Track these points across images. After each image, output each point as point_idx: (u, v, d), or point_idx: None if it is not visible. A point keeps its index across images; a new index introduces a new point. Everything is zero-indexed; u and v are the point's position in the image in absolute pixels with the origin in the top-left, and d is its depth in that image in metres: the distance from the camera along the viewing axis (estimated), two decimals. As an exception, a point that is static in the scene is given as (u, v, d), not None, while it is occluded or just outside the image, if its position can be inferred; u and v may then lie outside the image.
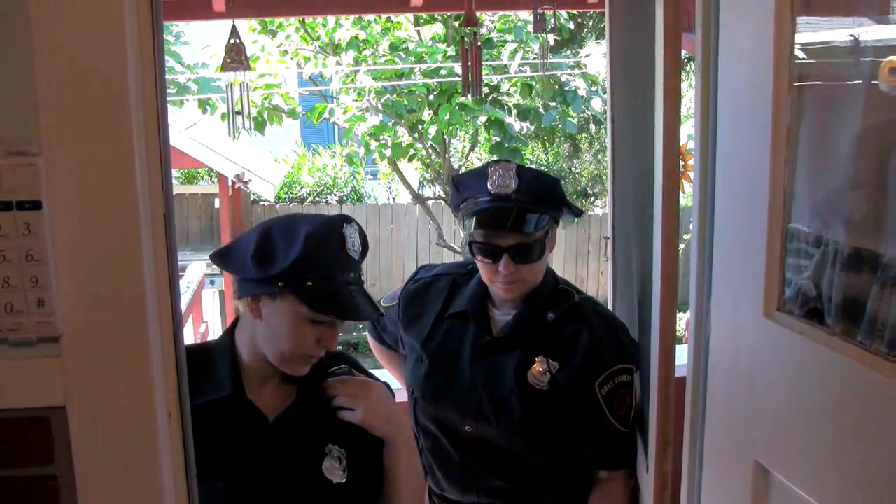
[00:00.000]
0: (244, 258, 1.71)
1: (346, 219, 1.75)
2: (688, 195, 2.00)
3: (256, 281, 1.71)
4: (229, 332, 1.83)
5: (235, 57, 3.51)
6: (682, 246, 1.83)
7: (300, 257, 1.66)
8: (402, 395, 2.34)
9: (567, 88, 10.14)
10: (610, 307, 2.64)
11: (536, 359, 2.07)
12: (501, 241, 2.03)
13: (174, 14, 4.66)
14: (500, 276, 2.06)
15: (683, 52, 1.89)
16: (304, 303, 1.68)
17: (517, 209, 2.03)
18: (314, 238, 1.68)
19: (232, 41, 3.51)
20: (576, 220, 10.72)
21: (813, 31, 1.41)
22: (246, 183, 10.02)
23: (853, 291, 1.23)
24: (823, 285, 1.29)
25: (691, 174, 1.61)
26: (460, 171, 11.31)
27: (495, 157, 10.86)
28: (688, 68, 7.31)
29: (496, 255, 2.05)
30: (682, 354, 1.72)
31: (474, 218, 2.07)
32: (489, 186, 2.04)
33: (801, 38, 1.33)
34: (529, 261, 2.06)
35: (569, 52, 10.75)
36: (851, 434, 1.16)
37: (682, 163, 1.93)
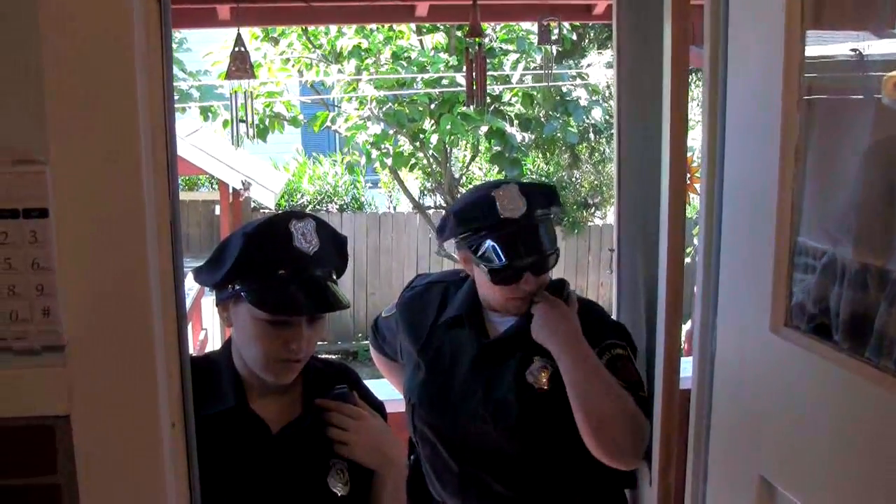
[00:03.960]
0: (205, 266, 1.76)
1: (297, 215, 1.72)
2: (694, 207, 2.01)
3: (216, 287, 1.74)
4: (228, 344, 1.83)
5: (240, 65, 3.52)
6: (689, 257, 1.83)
7: (239, 258, 1.67)
8: (401, 406, 2.34)
9: (568, 99, 10.16)
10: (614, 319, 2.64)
11: (535, 358, 2.07)
12: (520, 262, 2.05)
13: (179, 22, 4.66)
14: (521, 292, 2.08)
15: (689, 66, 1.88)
16: (250, 302, 1.67)
17: (533, 230, 2.05)
18: (253, 238, 1.69)
19: (237, 49, 3.52)
20: (574, 231, 10.55)
21: (823, 45, 1.41)
22: (247, 188, 10.02)
23: (861, 308, 1.22)
24: (831, 301, 1.29)
25: (698, 186, 1.60)
26: (459, 184, 11.31)
27: (496, 168, 10.88)
28: (693, 81, 7.32)
29: (518, 276, 2.05)
30: (688, 367, 1.71)
31: (494, 249, 2.05)
32: (500, 213, 2.03)
33: (810, 51, 1.33)
34: (548, 270, 2.10)
35: (571, 62, 10.76)
36: (858, 451, 1.15)
37: (688, 175, 1.93)
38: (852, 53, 1.36)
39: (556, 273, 2.19)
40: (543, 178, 12.31)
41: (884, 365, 1.14)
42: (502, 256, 2.04)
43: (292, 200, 12.71)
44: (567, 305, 2.09)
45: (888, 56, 1.31)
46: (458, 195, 10.99)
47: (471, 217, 2.09)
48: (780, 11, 1.29)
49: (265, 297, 1.67)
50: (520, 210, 2.02)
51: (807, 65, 1.32)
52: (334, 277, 1.77)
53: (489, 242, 2.05)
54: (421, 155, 10.43)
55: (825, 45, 1.43)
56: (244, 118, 4.01)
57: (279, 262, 1.68)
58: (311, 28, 9.36)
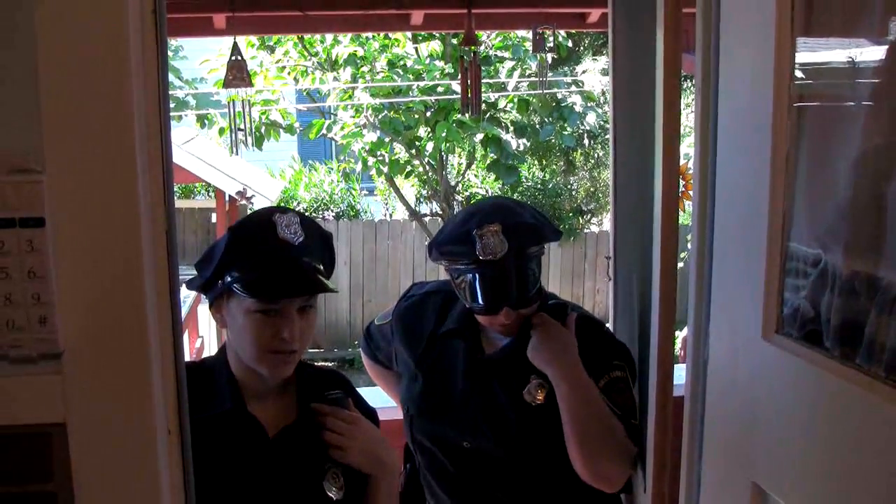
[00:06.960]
0: (196, 268, 1.79)
1: (280, 209, 1.78)
2: (687, 214, 2.01)
3: (206, 288, 1.77)
4: (223, 348, 1.85)
5: (237, 74, 3.53)
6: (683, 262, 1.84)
7: (226, 251, 1.72)
8: (395, 413, 2.34)
9: (563, 105, 10.18)
10: (611, 327, 2.64)
11: (531, 377, 2.07)
12: (497, 301, 2.04)
13: (175, 31, 4.67)
14: (500, 322, 2.07)
15: (683, 73, 1.89)
16: (240, 290, 1.71)
17: (511, 271, 2.02)
18: (238, 231, 1.76)
19: (233, 58, 3.53)
20: (570, 238, 10.46)
21: (813, 52, 1.42)
22: (249, 198, 10.01)
23: (852, 314, 1.23)
24: (822, 307, 1.29)
25: (692, 193, 1.61)
26: (455, 191, 11.30)
27: (492, 175, 10.88)
28: (687, 88, 7.32)
29: (495, 311, 2.05)
30: (682, 374, 1.72)
31: (472, 286, 2.04)
32: (478, 254, 2.00)
33: (801, 58, 1.34)
34: (529, 305, 2.07)
35: (566, 68, 10.78)
36: (850, 457, 1.16)
37: (682, 182, 1.94)
38: (843, 60, 1.37)
39: (553, 280, 2.20)
40: (539, 186, 12.33)
41: (874, 371, 1.14)
42: (479, 296, 2.04)
43: (289, 208, 12.68)
44: (566, 329, 2.08)
45: (879, 64, 1.32)
46: (454, 202, 10.99)
47: (450, 252, 2.07)
48: (770, 18, 1.30)
49: (254, 284, 1.70)
50: (500, 252, 1.99)
51: (797, 72, 1.33)
52: (322, 269, 1.79)
53: (468, 277, 2.05)
54: (417, 162, 10.45)
55: (816, 52, 1.44)
56: (242, 126, 4.03)
57: (265, 252, 1.72)
58: (306, 36, 9.37)
